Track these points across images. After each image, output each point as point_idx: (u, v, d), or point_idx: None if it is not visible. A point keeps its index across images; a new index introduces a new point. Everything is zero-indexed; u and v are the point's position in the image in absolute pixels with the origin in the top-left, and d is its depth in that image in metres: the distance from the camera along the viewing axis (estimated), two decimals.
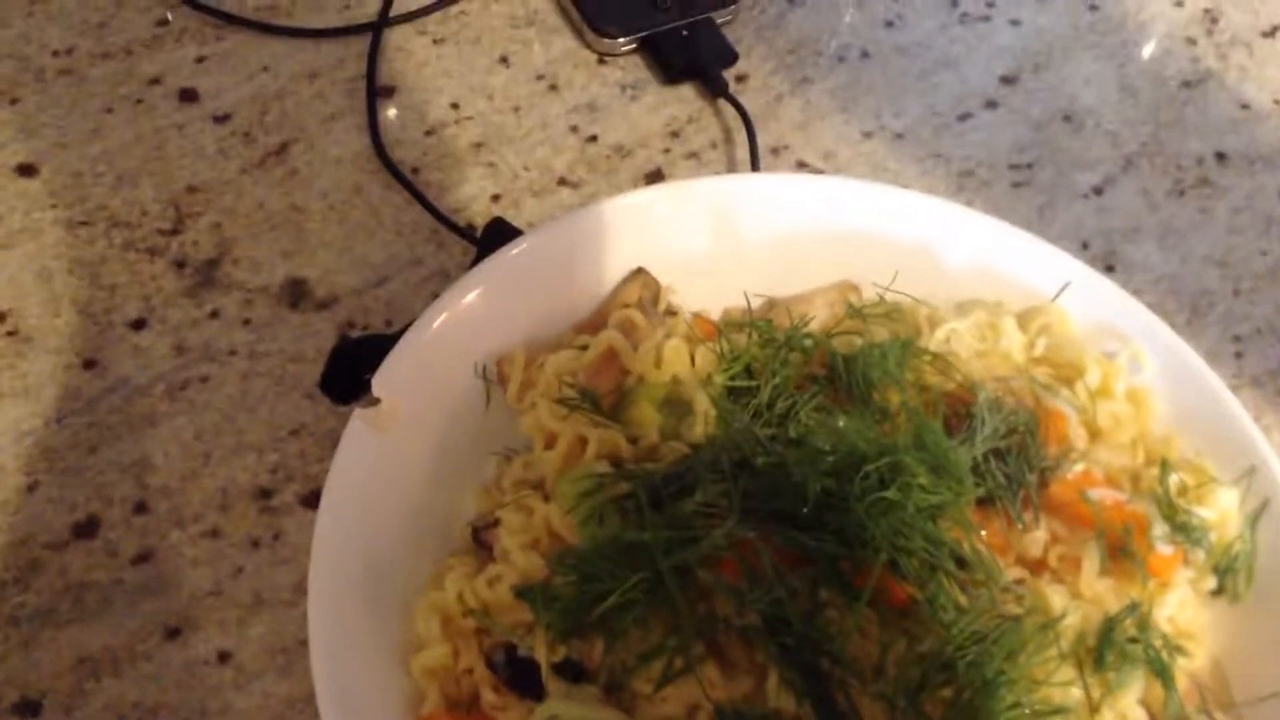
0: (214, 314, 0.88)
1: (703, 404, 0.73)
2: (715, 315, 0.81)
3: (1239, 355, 0.92)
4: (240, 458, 0.81)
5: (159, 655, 0.73)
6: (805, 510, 0.63)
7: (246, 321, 0.88)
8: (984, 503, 0.69)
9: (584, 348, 0.76)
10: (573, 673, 0.63)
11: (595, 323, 0.79)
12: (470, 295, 0.75)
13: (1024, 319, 0.79)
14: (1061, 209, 1.00)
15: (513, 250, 0.77)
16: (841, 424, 0.65)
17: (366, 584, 0.67)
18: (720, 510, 0.63)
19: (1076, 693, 0.61)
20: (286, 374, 0.85)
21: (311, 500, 0.79)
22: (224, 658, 0.73)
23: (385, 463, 0.70)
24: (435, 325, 0.74)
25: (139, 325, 0.87)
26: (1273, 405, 0.90)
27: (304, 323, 0.88)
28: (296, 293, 0.90)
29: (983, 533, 0.67)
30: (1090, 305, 0.79)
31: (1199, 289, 0.96)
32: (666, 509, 0.63)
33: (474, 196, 0.97)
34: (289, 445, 0.82)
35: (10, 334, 0.85)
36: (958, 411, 0.72)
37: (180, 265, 0.90)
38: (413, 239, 0.94)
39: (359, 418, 0.70)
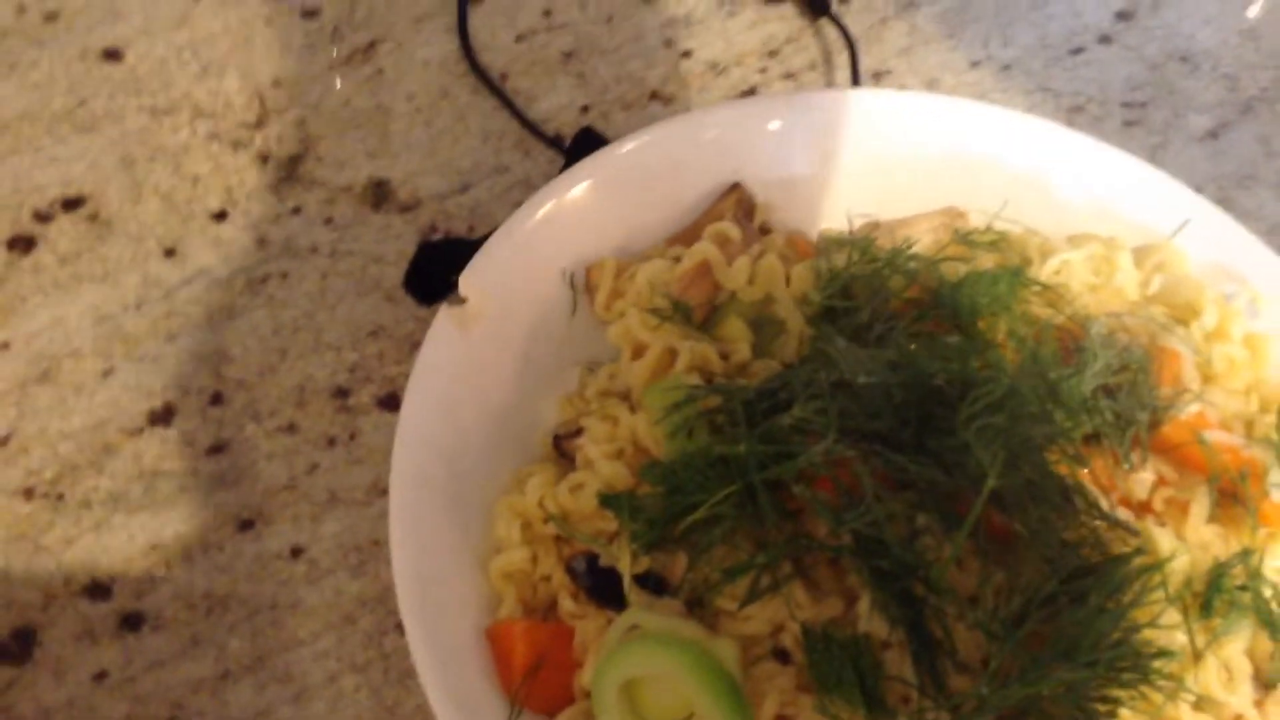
0: (296, 210, 0.86)
1: (797, 322, 0.70)
2: (812, 236, 0.78)
3: None
4: (318, 355, 0.80)
5: (231, 546, 0.72)
6: (907, 433, 0.60)
7: (328, 220, 0.86)
8: (1090, 440, 0.66)
9: (677, 259, 0.73)
10: (654, 585, 0.61)
11: (689, 236, 0.76)
12: (562, 199, 0.73)
13: (1139, 255, 0.75)
14: (1174, 151, 0.95)
15: (608, 154, 0.75)
16: (952, 343, 0.62)
17: (447, 483, 0.65)
18: (816, 428, 0.60)
19: (1181, 637, 0.58)
20: (367, 275, 0.84)
21: (388, 402, 0.78)
22: (296, 553, 0.72)
23: (469, 363, 0.68)
24: (526, 227, 0.72)
25: (220, 217, 0.85)
26: None
27: (386, 224, 0.86)
28: (379, 194, 0.88)
29: (1087, 470, 0.64)
30: (1209, 244, 0.75)
31: None
32: (759, 424, 0.60)
33: (563, 106, 0.94)
34: (367, 346, 0.80)
35: (91, 218, 0.84)
36: (1066, 346, 0.69)
37: (264, 159, 0.88)
38: (499, 145, 0.91)
39: (446, 315, 0.67)
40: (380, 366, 0.79)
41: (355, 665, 0.69)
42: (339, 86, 0.93)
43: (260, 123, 0.90)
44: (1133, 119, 0.96)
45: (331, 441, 0.76)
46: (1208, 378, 0.70)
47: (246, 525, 0.73)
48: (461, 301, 0.68)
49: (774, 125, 0.77)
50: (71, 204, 0.84)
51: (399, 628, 0.70)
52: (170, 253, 0.83)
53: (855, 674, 0.56)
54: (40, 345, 0.78)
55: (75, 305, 0.80)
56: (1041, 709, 0.54)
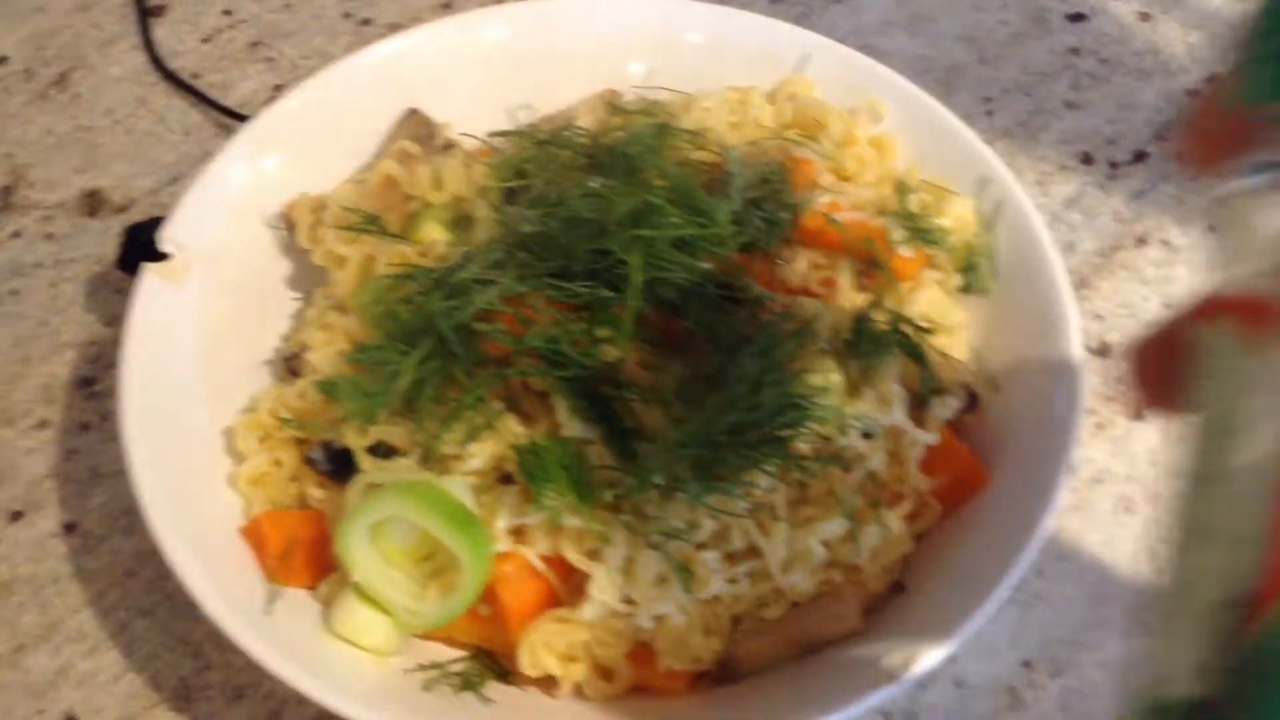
0: (16, 234, 0.90)
1: (482, 210, 0.77)
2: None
3: (989, 113, 1.00)
4: (59, 354, 0.84)
5: (6, 537, 0.76)
6: (577, 267, 0.68)
7: (49, 235, 0.90)
8: (749, 249, 0.75)
9: (361, 183, 0.80)
10: (384, 453, 0.68)
11: (375, 165, 0.83)
12: (245, 149, 0.79)
13: (773, 93, 0.85)
14: (817, 18, 1.06)
15: (281, 104, 0.81)
16: (598, 185, 0.70)
17: (180, 420, 0.70)
18: (496, 278, 0.68)
19: (836, 378, 0.67)
20: (94, 275, 0.88)
21: None
22: (69, 528, 0.76)
23: (186, 312, 0.73)
24: (216, 178, 0.77)
25: None
26: (1024, 149, 0.98)
27: (104, 228, 0.91)
28: (94, 202, 0.92)
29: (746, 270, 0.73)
30: (831, 72, 0.85)
31: (950, 64, 1.04)
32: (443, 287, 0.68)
33: (256, 90, 1.00)
34: (106, 336, 0.85)
35: None
36: (716, 177, 0.78)
37: None
38: (201, 136, 0.97)
39: (150, 271, 0.73)
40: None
41: (142, 610, 0.73)
42: (39, 118, 0.97)
43: None
44: None
45: (85, 427, 0.80)
46: (844, 178, 0.80)
47: (17, 516, 0.76)
48: (163, 257, 0.73)
49: (437, 51, 0.84)
50: None
51: None
52: None
53: (562, 469, 0.63)
54: None
55: None
56: (725, 455, 0.63)
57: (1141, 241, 0.93)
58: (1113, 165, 0.98)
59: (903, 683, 0.60)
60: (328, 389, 0.68)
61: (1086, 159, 0.98)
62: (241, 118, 0.97)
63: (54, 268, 0.88)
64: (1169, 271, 0.91)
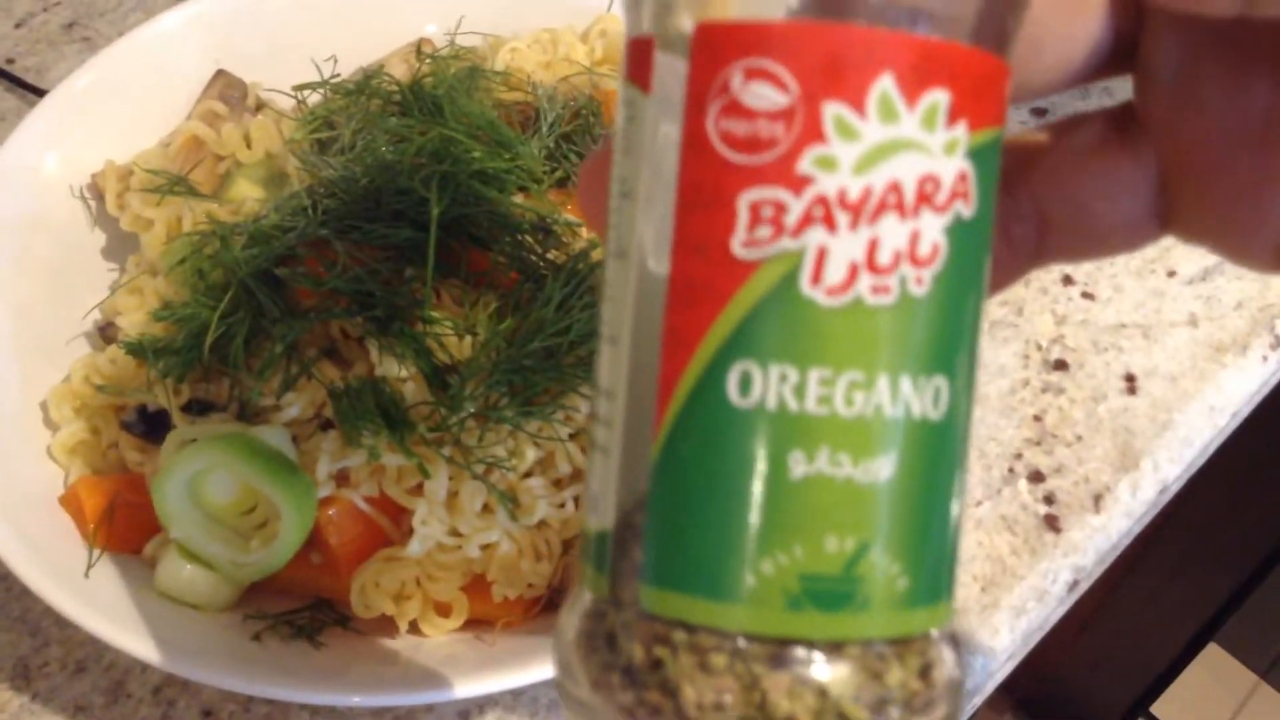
0: None
1: (293, 164, 0.76)
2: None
3: None
4: None
5: None
6: (382, 210, 0.67)
7: None
8: (563, 185, 0.75)
9: (167, 146, 0.78)
10: (200, 409, 0.67)
11: (180, 128, 0.81)
12: (46, 123, 0.77)
13: (585, 32, 0.85)
14: None
15: (84, 73, 0.79)
16: (396, 124, 0.69)
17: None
18: (298, 224, 0.67)
19: None
20: None
21: None
22: None
23: None
24: (18, 154, 0.75)
25: None
26: None
27: None
28: None
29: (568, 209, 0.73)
30: None
31: None
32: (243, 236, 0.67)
33: (73, 69, 0.97)
34: None
35: None
36: (528, 116, 0.78)
37: None
38: (17, 122, 0.94)
39: None
40: None
41: None
42: None
43: None
44: None
45: None
46: None
47: None
48: None
49: (240, 9, 0.83)
50: None
51: None
52: None
53: (376, 408, 0.63)
54: None
55: None
56: (537, 380, 0.63)
57: None
58: None
59: None
60: (133, 350, 0.66)
61: None
62: (38, 92, 0.94)
63: None
64: None
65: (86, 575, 0.62)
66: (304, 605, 0.67)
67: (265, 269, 0.64)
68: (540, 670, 0.61)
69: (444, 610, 0.65)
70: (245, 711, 0.68)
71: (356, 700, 0.59)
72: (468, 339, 0.65)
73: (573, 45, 0.82)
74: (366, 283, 0.64)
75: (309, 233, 0.65)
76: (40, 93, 0.94)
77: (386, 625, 0.66)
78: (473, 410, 0.62)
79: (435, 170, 0.66)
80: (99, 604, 0.60)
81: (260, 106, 0.83)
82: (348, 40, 0.85)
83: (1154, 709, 1.97)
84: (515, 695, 0.69)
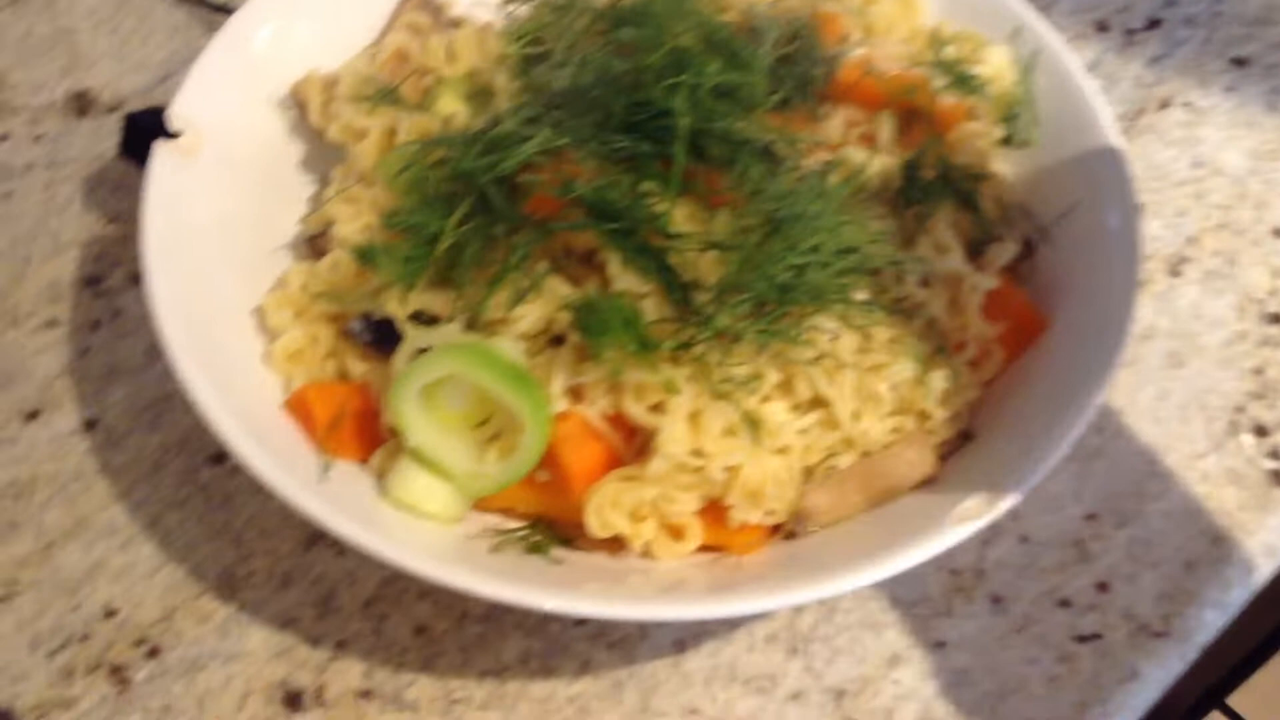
0: (3, 137, 0.86)
1: (502, 79, 0.74)
2: (500, 23, 0.82)
3: None
4: (62, 255, 0.80)
5: (23, 437, 0.72)
6: (613, 121, 0.65)
7: (38, 138, 0.86)
8: (783, 107, 0.72)
9: (374, 57, 0.76)
10: (426, 320, 0.65)
11: (382, 40, 0.79)
12: (247, 27, 0.75)
13: None
14: None
15: None
16: (630, 34, 0.67)
17: (209, 301, 0.67)
18: (532, 133, 0.65)
19: (889, 224, 0.65)
20: (90, 175, 0.84)
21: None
22: (90, 425, 0.73)
23: (202, 188, 0.70)
24: (219, 57, 0.74)
25: None
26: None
27: (96, 127, 0.87)
28: (82, 103, 0.88)
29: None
30: None
31: None
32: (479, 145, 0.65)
33: None
34: (109, 233, 0.81)
35: None
36: (745, 36, 0.75)
37: None
38: (188, 35, 0.93)
39: (163, 148, 0.69)
40: (126, 249, 0.80)
41: (176, 502, 0.70)
42: (16, 22, 0.92)
43: None
44: None
45: (96, 325, 0.77)
46: (869, 35, 0.78)
47: (32, 415, 0.73)
48: (175, 135, 0.70)
49: None
50: None
51: (210, 461, 0.72)
52: None
53: (621, 322, 0.61)
54: None
55: None
56: (787, 299, 0.60)
57: (1164, 105, 0.92)
58: (1128, 32, 0.96)
59: (980, 525, 0.59)
60: (365, 256, 0.65)
61: (1102, 26, 0.96)
62: (228, 12, 0.92)
63: (47, 169, 0.84)
64: (1195, 133, 0.89)
65: (323, 480, 0.61)
66: (523, 525, 0.65)
67: (504, 177, 0.62)
68: (772, 599, 0.59)
69: (677, 533, 0.63)
70: (458, 629, 0.67)
71: (594, 609, 0.57)
72: (705, 257, 0.63)
73: None
74: (609, 194, 0.62)
75: (549, 142, 0.63)
76: (212, 6, 0.92)
77: (612, 544, 0.64)
78: (722, 327, 0.60)
79: (677, 82, 0.63)
80: (344, 509, 0.58)
81: (457, 22, 0.81)
82: None
83: (1231, 701, 1.93)
84: (731, 626, 0.68)
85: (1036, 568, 0.70)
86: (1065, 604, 0.69)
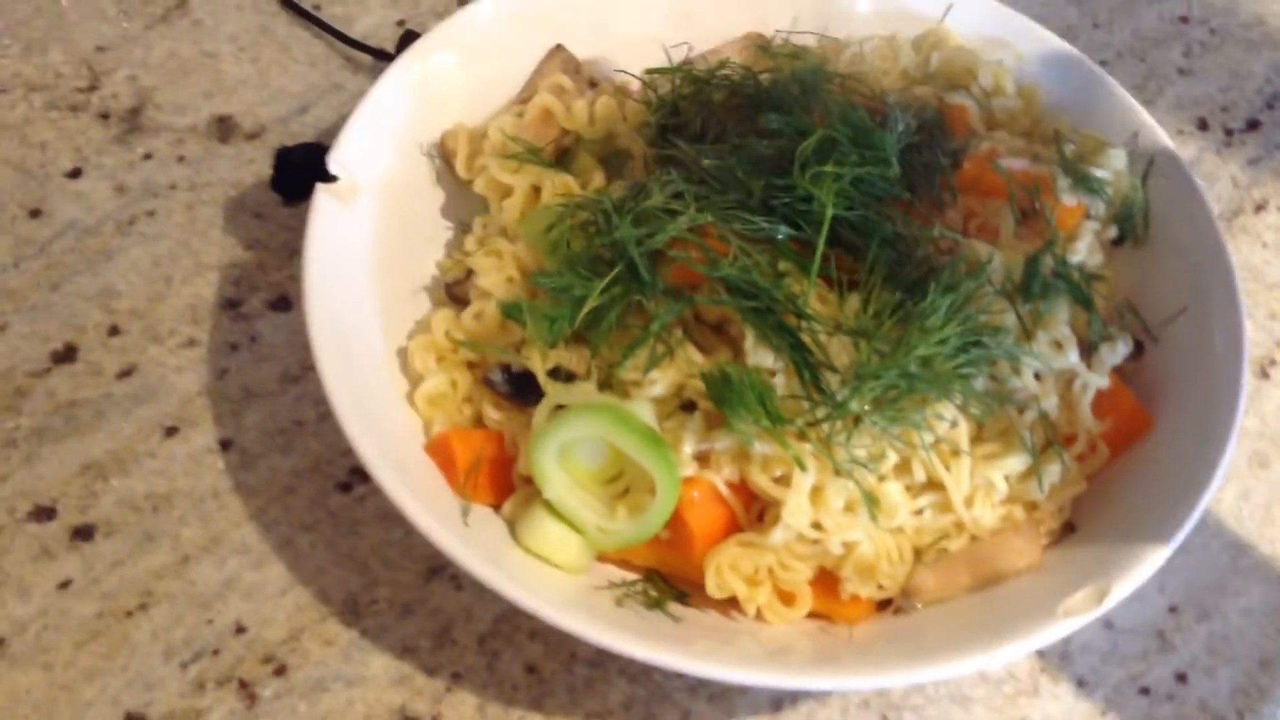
0: (147, 156, 0.90)
1: (640, 147, 0.78)
2: (633, 87, 0.86)
3: None
4: (202, 276, 0.84)
5: (162, 452, 0.76)
6: (754, 201, 0.69)
7: (181, 159, 0.90)
8: (905, 198, 0.75)
9: (520, 114, 0.80)
10: (565, 379, 0.69)
11: (525, 97, 0.83)
12: (401, 80, 0.79)
13: (917, 42, 0.86)
14: None
15: (430, 38, 0.81)
16: (777, 122, 0.71)
17: (358, 337, 0.71)
18: (677, 208, 0.68)
19: (1011, 318, 0.68)
20: (230, 199, 0.88)
21: (279, 304, 0.83)
22: (225, 445, 0.77)
23: (355, 233, 0.74)
24: (380, 107, 0.77)
25: (75, 174, 0.88)
26: None
27: (237, 153, 0.91)
28: (224, 128, 0.92)
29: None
30: (974, 24, 0.86)
31: (1063, 27, 1.04)
32: (629, 214, 0.68)
33: (379, 24, 1.00)
34: (248, 259, 0.85)
35: None
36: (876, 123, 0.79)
37: (104, 116, 0.92)
38: (327, 68, 0.97)
39: (323, 191, 0.73)
40: (264, 275, 0.84)
41: (305, 526, 0.74)
42: (160, 42, 0.96)
43: (93, 86, 0.94)
44: None
45: (234, 347, 0.81)
46: (992, 128, 0.81)
47: (172, 431, 0.77)
48: (334, 179, 0.74)
49: None
50: None
51: (339, 488, 0.75)
52: (35, 213, 0.86)
53: (755, 396, 0.64)
54: None
55: None
56: (916, 387, 0.64)
57: (1260, 207, 0.95)
58: (1228, 132, 0.99)
59: (1089, 619, 0.62)
60: (511, 312, 0.68)
61: (1202, 125, 1.00)
62: (366, 49, 0.97)
63: (189, 190, 0.88)
64: None
65: (465, 523, 0.64)
66: (638, 578, 0.68)
67: (655, 249, 0.66)
68: (874, 677, 0.62)
69: (788, 599, 0.66)
70: (567, 671, 0.70)
71: (703, 670, 0.60)
72: (835, 339, 0.66)
73: (909, 56, 0.83)
74: (752, 273, 0.65)
75: (697, 220, 0.66)
76: (350, 42, 0.96)
77: (723, 605, 0.67)
78: (855, 409, 0.63)
79: (823, 171, 0.67)
80: (479, 551, 0.62)
81: (595, 84, 0.85)
82: (669, 30, 0.86)
83: None
84: (826, 691, 0.71)
85: (1119, 654, 0.73)
86: (1145, 691, 0.72)
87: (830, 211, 0.66)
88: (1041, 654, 0.72)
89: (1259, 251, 0.92)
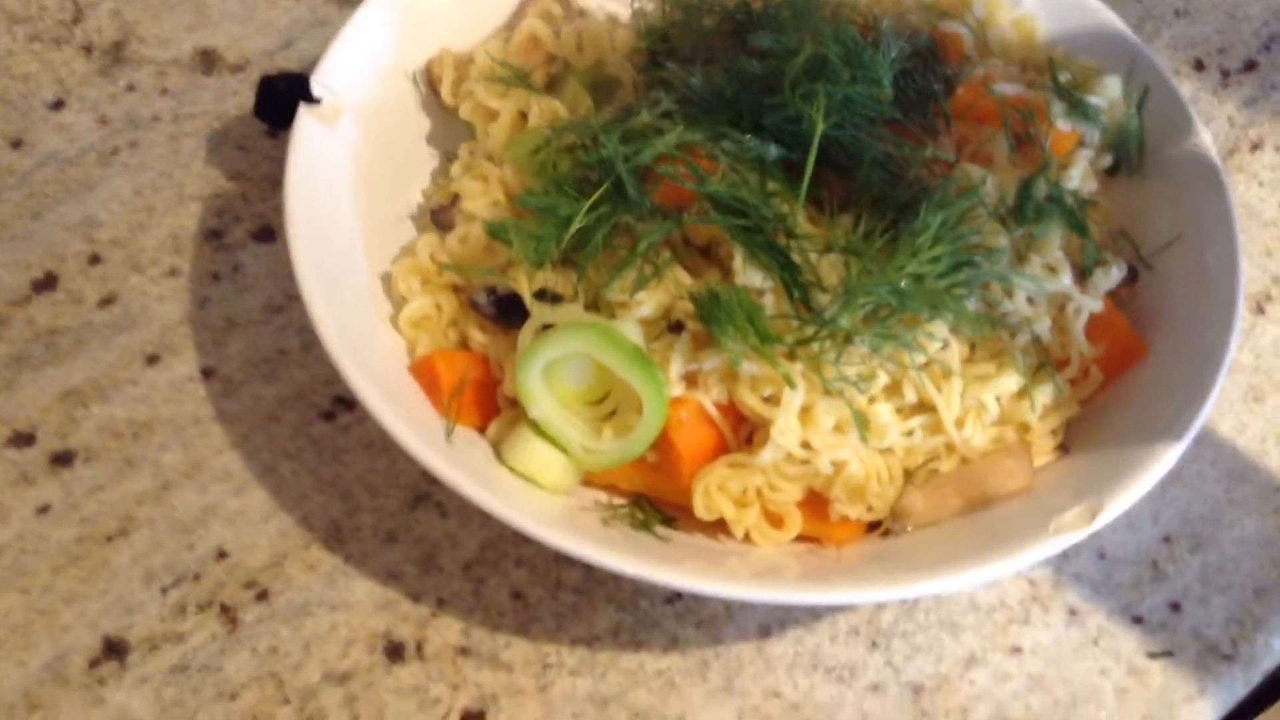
0: (130, 88, 0.89)
1: (629, 74, 0.77)
2: (624, 16, 0.84)
3: None
4: (184, 206, 0.83)
5: (143, 379, 0.75)
6: (743, 121, 0.68)
7: (164, 91, 0.89)
8: (898, 122, 0.74)
9: (507, 39, 0.79)
10: (550, 298, 0.67)
11: (514, 23, 0.82)
12: (390, 2, 0.78)
13: None
14: None
15: None
16: (768, 41, 0.69)
17: (343, 259, 0.69)
18: (665, 128, 0.67)
19: (1004, 241, 0.67)
20: (214, 131, 0.87)
21: (262, 235, 0.82)
22: (208, 373, 0.76)
23: (338, 154, 0.73)
24: (364, 31, 0.76)
25: (58, 105, 0.87)
26: None
27: (221, 85, 0.89)
28: (208, 60, 0.91)
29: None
30: None
31: None
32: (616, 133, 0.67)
33: None
34: (230, 190, 0.84)
35: None
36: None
37: (88, 50, 0.90)
38: (313, 2, 0.95)
39: (306, 113, 0.72)
40: (247, 205, 0.83)
41: (288, 454, 0.73)
42: None
43: (76, 19, 0.92)
44: None
45: (216, 276, 0.80)
46: (985, 57, 0.80)
47: (153, 359, 0.76)
48: (317, 101, 0.72)
49: None
50: None
51: (323, 416, 0.74)
52: (17, 144, 0.85)
53: (744, 315, 0.63)
54: None
55: None
56: (906, 305, 0.63)
57: (1256, 146, 0.94)
58: (1224, 73, 0.98)
59: (1080, 538, 0.61)
60: (497, 232, 0.67)
61: (1198, 65, 0.99)
62: None
63: (173, 122, 0.87)
64: None
65: (450, 443, 0.63)
66: (625, 502, 0.68)
67: (638, 167, 0.65)
68: (864, 592, 0.62)
69: (777, 521, 0.66)
70: (553, 598, 0.69)
71: (699, 586, 0.60)
72: (825, 258, 0.65)
73: None
74: (741, 190, 0.64)
75: (686, 138, 0.65)
76: None
77: (711, 527, 0.66)
78: (845, 326, 0.62)
79: (814, 89, 0.66)
80: (466, 470, 0.61)
81: (583, 13, 0.83)
82: None
83: None
84: (815, 616, 0.70)
85: (1112, 584, 0.73)
86: (1138, 620, 0.72)
87: (820, 130, 0.65)
88: (1033, 582, 0.72)
89: (1255, 190, 0.91)
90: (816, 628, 0.70)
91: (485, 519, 0.68)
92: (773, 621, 0.70)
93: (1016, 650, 0.70)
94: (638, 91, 0.76)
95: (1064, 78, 0.78)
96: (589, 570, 0.69)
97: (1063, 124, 0.74)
